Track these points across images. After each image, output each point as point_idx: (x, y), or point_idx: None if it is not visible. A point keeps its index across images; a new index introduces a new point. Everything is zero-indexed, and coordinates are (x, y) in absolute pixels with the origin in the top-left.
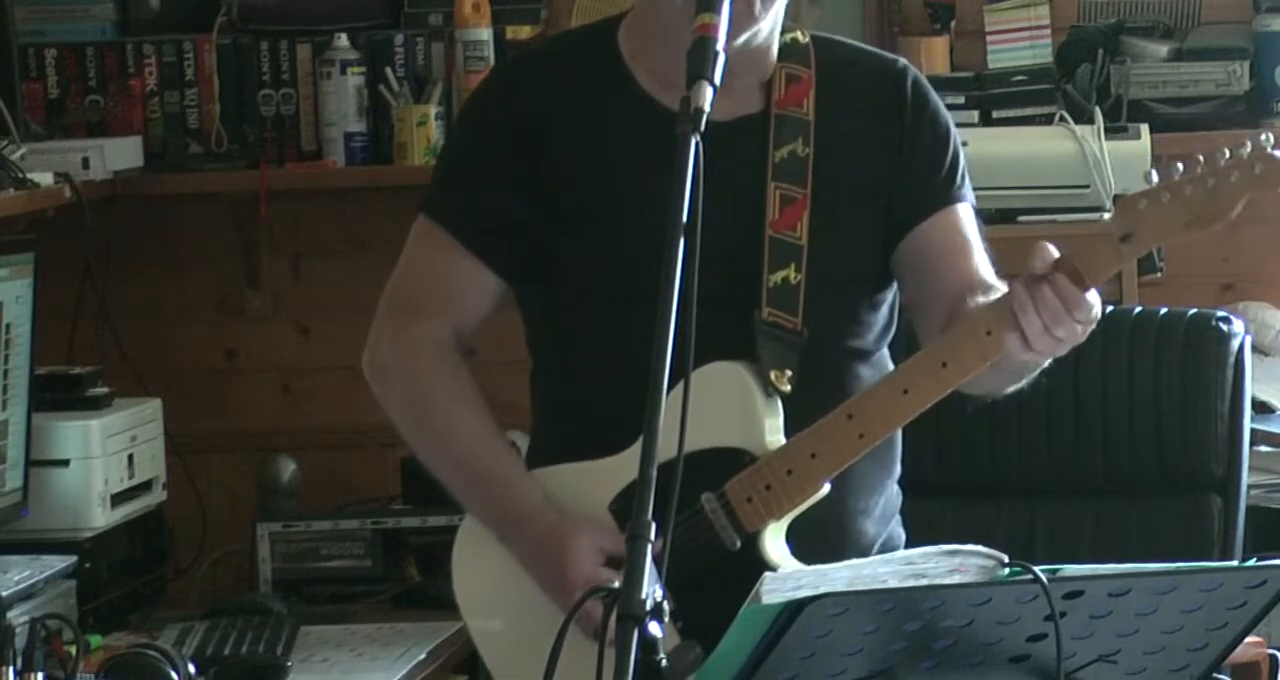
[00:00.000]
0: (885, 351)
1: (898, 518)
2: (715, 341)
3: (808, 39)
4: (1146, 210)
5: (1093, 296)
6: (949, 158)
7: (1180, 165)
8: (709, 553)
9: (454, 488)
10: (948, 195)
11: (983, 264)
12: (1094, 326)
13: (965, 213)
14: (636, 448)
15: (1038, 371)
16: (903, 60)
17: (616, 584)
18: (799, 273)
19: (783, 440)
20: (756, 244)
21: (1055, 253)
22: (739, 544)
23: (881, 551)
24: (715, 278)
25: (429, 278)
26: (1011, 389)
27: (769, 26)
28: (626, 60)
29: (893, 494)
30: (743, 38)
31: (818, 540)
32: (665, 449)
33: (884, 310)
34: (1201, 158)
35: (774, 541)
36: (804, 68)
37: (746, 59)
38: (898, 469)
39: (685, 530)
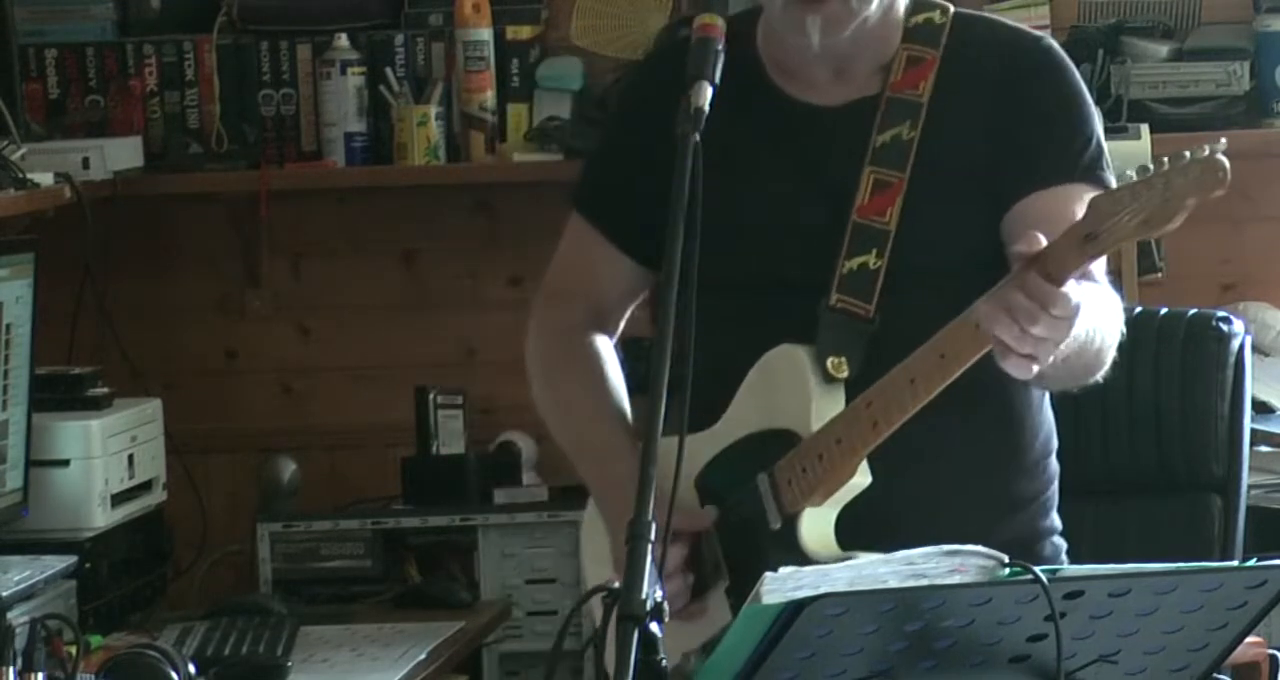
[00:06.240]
0: None
1: (1044, 505)
2: (780, 326)
3: (947, 18)
4: (1109, 211)
5: (1071, 289)
6: (1069, 133)
7: (1151, 166)
8: (759, 530)
9: (571, 459)
10: (1063, 172)
11: None
12: (1075, 320)
13: (1084, 194)
14: (720, 424)
15: (1085, 377)
16: (1046, 37)
17: (673, 562)
18: (880, 258)
19: None
20: (840, 229)
21: (1043, 242)
22: (779, 524)
23: (1009, 544)
24: (793, 263)
25: (570, 265)
26: (1081, 385)
27: (878, 12)
28: (760, 48)
29: (1028, 478)
30: (849, 30)
31: (898, 529)
32: (746, 424)
33: None
34: (1166, 160)
35: (813, 525)
36: (930, 49)
37: (859, 47)
38: (1033, 450)
39: (743, 507)
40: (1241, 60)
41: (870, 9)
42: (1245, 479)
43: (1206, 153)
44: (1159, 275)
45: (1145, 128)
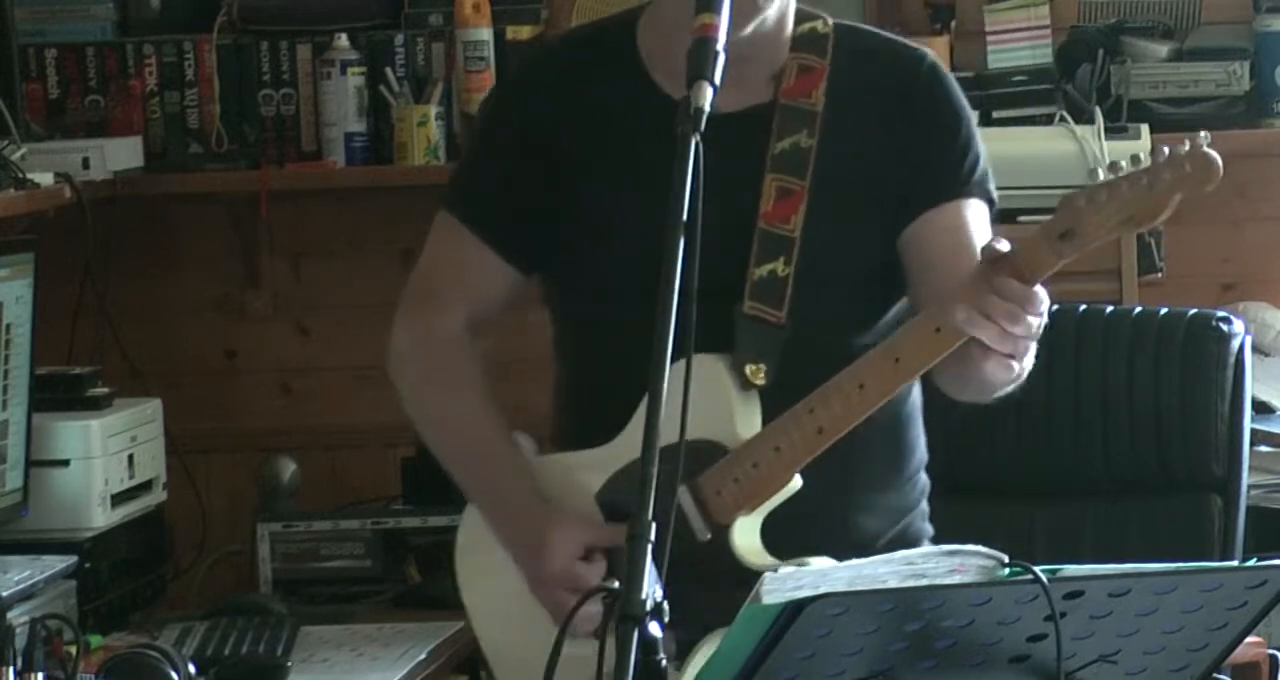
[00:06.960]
0: None
1: (920, 513)
2: (696, 334)
3: (829, 28)
4: (1085, 208)
5: (1040, 291)
6: (959, 150)
7: (1124, 163)
8: (683, 545)
9: (455, 477)
10: (955, 189)
11: None
12: (1045, 319)
13: (974, 209)
14: (621, 438)
15: (1020, 379)
16: (929, 52)
17: (596, 578)
18: (788, 265)
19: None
20: (746, 236)
21: (1006, 246)
22: (709, 536)
23: (892, 547)
24: (702, 270)
25: (444, 268)
26: (998, 395)
27: (775, 14)
28: (643, 54)
29: (908, 489)
30: (750, 27)
31: (808, 535)
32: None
33: (894, 311)
34: (1146, 156)
35: (744, 535)
36: (819, 58)
37: (755, 48)
38: (911, 463)
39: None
40: (1241, 60)
41: (771, 9)
42: (1245, 479)
43: (1189, 148)
44: (1159, 275)
45: (1145, 128)
